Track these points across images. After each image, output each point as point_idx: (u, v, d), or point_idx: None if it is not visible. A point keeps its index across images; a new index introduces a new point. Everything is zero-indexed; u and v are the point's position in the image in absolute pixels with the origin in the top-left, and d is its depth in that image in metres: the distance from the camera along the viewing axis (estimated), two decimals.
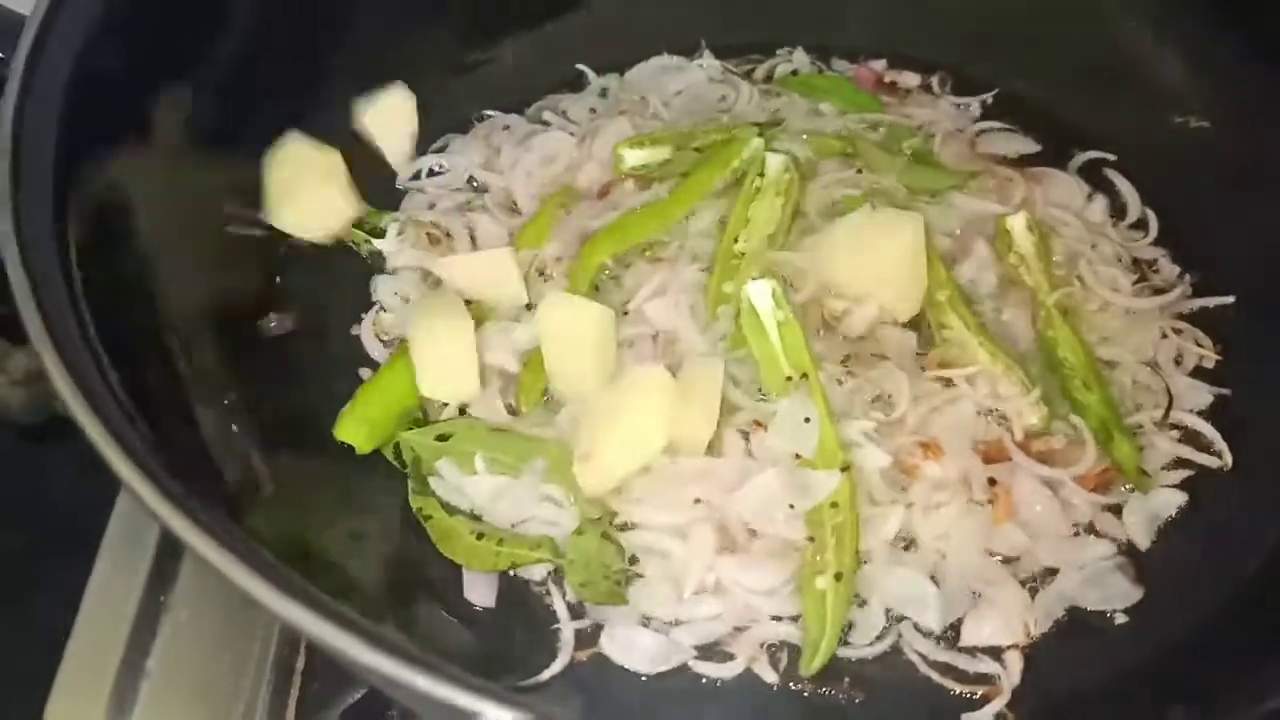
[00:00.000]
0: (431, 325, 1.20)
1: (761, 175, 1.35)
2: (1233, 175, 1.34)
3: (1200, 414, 1.23)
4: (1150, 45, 1.44)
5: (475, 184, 1.43)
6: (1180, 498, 1.17)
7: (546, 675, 1.05)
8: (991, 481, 1.12)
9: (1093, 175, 1.43)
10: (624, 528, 1.13)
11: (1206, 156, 1.37)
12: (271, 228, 1.27)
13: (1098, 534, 1.14)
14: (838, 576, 1.07)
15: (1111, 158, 1.44)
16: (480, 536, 1.13)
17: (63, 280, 0.83)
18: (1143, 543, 1.13)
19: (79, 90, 0.97)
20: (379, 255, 1.35)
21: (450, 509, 1.16)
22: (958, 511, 1.10)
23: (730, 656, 1.06)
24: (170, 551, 1.29)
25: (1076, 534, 1.13)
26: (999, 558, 1.11)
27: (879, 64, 1.55)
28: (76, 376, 0.77)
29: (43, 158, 0.91)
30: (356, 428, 1.17)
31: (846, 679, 1.06)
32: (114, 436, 0.77)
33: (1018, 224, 1.33)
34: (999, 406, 1.19)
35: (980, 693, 1.04)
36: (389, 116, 1.40)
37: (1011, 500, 1.11)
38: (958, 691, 1.05)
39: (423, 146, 1.44)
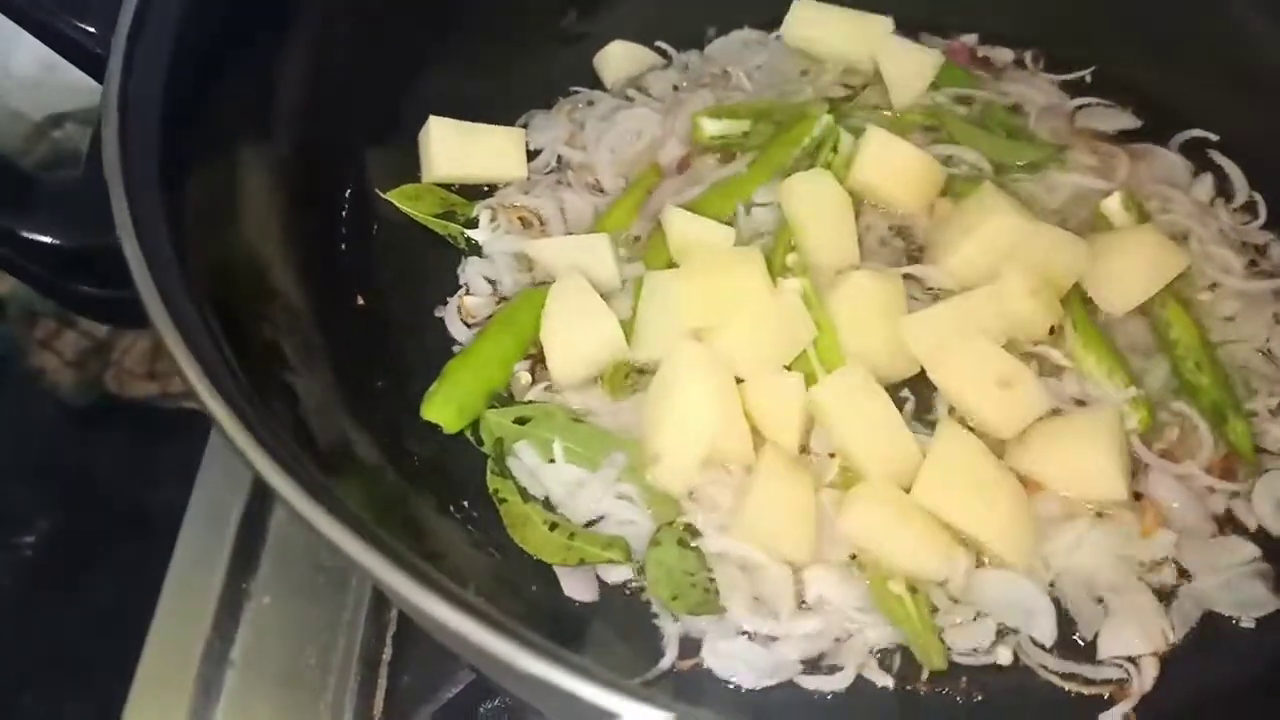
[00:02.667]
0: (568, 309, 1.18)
1: (835, 151, 1.33)
2: None
3: None
4: (1259, 24, 1.38)
5: (561, 161, 1.39)
6: None
7: (641, 679, 1.01)
8: (1136, 496, 1.09)
9: (1196, 158, 1.38)
10: (695, 533, 1.09)
11: None
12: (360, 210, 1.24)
13: (1236, 527, 1.10)
14: (912, 589, 1.04)
15: (1214, 137, 1.38)
16: (553, 527, 1.10)
17: (175, 259, 0.80)
18: (1275, 527, 1.10)
19: (181, 66, 0.94)
20: (472, 243, 1.31)
21: (526, 495, 1.13)
22: (1086, 526, 1.07)
23: (838, 668, 1.02)
24: (251, 537, 1.26)
25: (1216, 534, 1.10)
26: (1133, 564, 1.07)
27: (971, 38, 1.50)
28: (194, 348, 0.74)
29: (149, 134, 0.88)
30: (444, 407, 1.15)
31: (964, 679, 1.02)
32: (233, 409, 0.73)
33: (1112, 205, 1.29)
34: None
35: (1108, 694, 1.01)
36: (450, 146, 1.34)
37: (1157, 506, 1.08)
38: (1083, 693, 1.01)
39: (506, 121, 1.40)
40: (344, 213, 1.23)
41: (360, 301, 1.21)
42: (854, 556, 1.07)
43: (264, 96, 1.12)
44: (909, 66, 1.40)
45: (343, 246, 1.21)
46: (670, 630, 1.04)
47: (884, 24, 1.44)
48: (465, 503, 1.11)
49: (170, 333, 0.73)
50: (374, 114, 1.29)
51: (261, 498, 1.29)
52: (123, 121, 0.87)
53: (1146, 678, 1.01)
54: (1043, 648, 1.04)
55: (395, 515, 0.99)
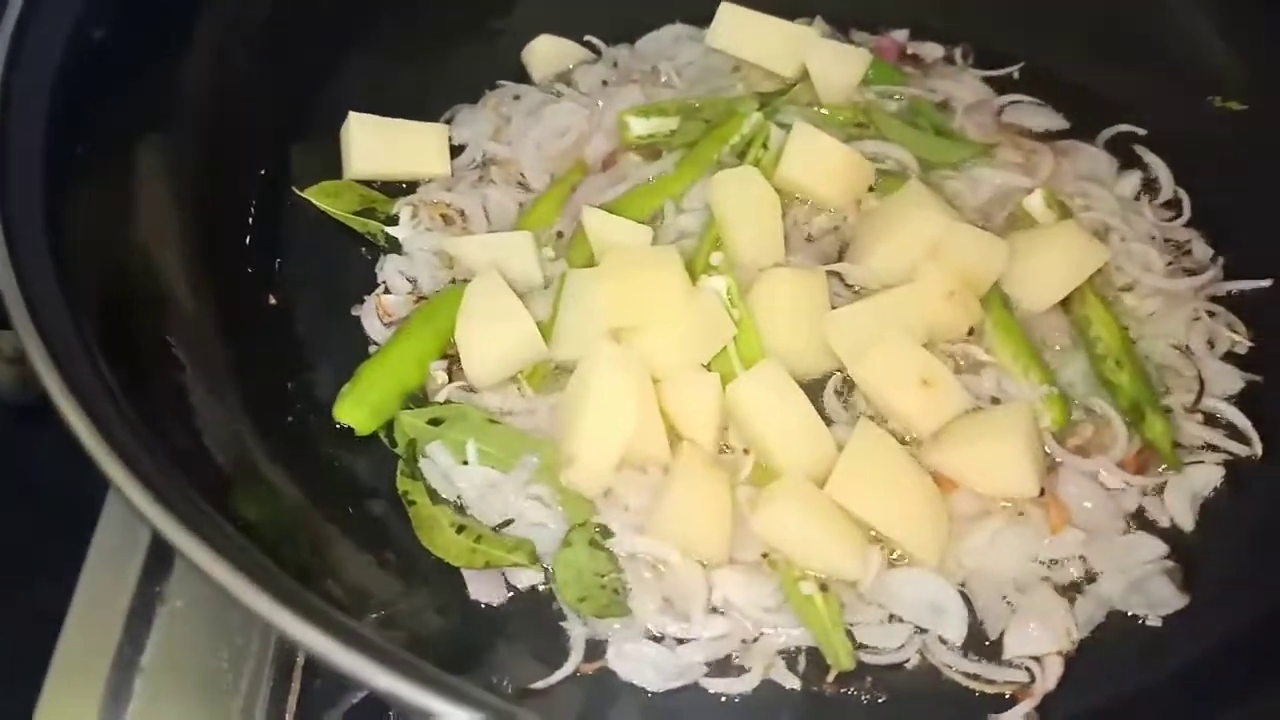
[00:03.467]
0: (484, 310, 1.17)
1: (765, 148, 1.32)
2: (1269, 159, 1.29)
3: (1230, 400, 1.19)
4: (1190, 23, 1.38)
5: (486, 156, 1.38)
6: (1217, 474, 1.14)
7: (544, 683, 1.00)
8: (1040, 491, 1.09)
9: (1123, 153, 1.38)
10: (608, 534, 1.08)
11: (1241, 139, 1.32)
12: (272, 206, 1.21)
13: (1146, 524, 1.10)
14: (823, 586, 1.04)
15: (1141, 132, 1.39)
16: (460, 530, 1.09)
17: (52, 265, 0.79)
18: (1187, 524, 1.11)
19: (72, 64, 0.93)
20: (393, 240, 1.30)
21: (435, 497, 1.12)
22: (1000, 524, 1.07)
23: (744, 669, 1.02)
24: (164, 542, 1.24)
25: (1126, 531, 1.10)
26: (1040, 563, 1.07)
27: (901, 34, 1.49)
28: (57, 358, 0.72)
29: (33, 132, 0.86)
30: (356, 408, 1.14)
31: (869, 678, 1.02)
32: (98, 427, 0.72)
33: (1035, 202, 1.29)
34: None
35: (1009, 694, 1.00)
36: (371, 142, 1.32)
37: (1063, 504, 1.08)
38: (986, 692, 1.01)
39: (433, 116, 1.39)
40: (252, 213, 1.20)
41: (272, 301, 1.19)
42: (765, 555, 1.07)
43: (165, 96, 1.10)
44: (837, 66, 1.39)
45: (249, 246, 1.19)
46: (576, 633, 1.04)
47: (809, 33, 1.43)
48: (371, 508, 1.10)
49: (35, 345, 0.71)
50: (287, 112, 1.27)
51: None
52: (3, 125, 0.85)
53: (1050, 677, 1.01)
54: (950, 647, 1.03)
55: (294, 532, 0.97)
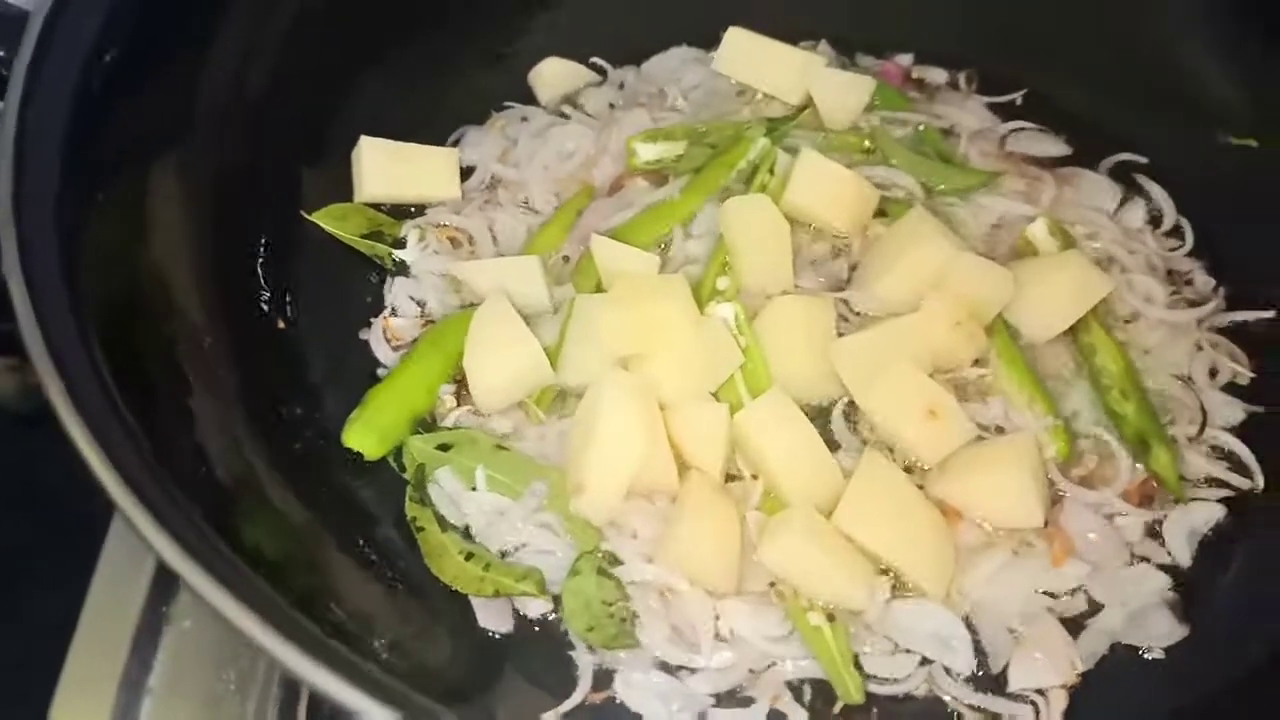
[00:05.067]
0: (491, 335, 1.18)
1: (771, 173, 1.32)
2: (1270, 190, 1.29)
3: (1232, 431, 1.20)
4: (1199, 59, 1.37)
5: (493, 179, 1.38)
6: (1218, 511, 1.14)
7: (553, 714, 1.00)
8: (1044, 523, 1.09)
9: (1123, 182, 1.39)
10: (615, 562, 1.09)
11: (1246, 172, 1.32)
12: (282, 230, 1.22)
13: (1149, 561, 1.11)
14: (830, 617, 1.05)
15: (1143, 160, 1.39)
16: (469, 557, 1.09)
17: (65, 289, 0.79)
18: (1184, 560, 1.11)
19: (89, 89, 0.93)
20: (400, 264, 1.30)
21: (444, 524, 1.12)
22: (1004, 556, 1.08)
23: (751, 700, 1.02)
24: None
25: (1130, 564, 1.11)
26: (1044, 595, 1.08)
27: (906, 59, 1.50)
28: (66, 376, 0.74)
29: (48, 155, 0.86)
30: (365, 434, 1.14)
31: (875, 710, 1.03)
32: (106, 452, 0.73)
33: (1038, 231, 1.30)
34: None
35: None
36: (382, 165, 1.32)
37: (1067, 536, 1.09)
38: None
39: (439, 138, 1.39)
40: (264, 237, 1.20)
41: (281, 326, 1.19)
42: (772, 585, 1.08)
43: (179, 120, 1.10)
44: (840, 93, 1.40)
45: (260, 271, 1.19)
46: (584, 662, 1.04)
47: (815, 60, 1.43)
48: (379, 534, 1.10)
49: (44, 363, 0.72)
50: (299, 136, 1.27)
51: None
52: (19, 146, 0.85)
53: (1055, 710, 1.02)
54: (956, 678, 1.04)
55: (300, 558, 0.98)
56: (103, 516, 1.67)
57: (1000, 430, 1.17)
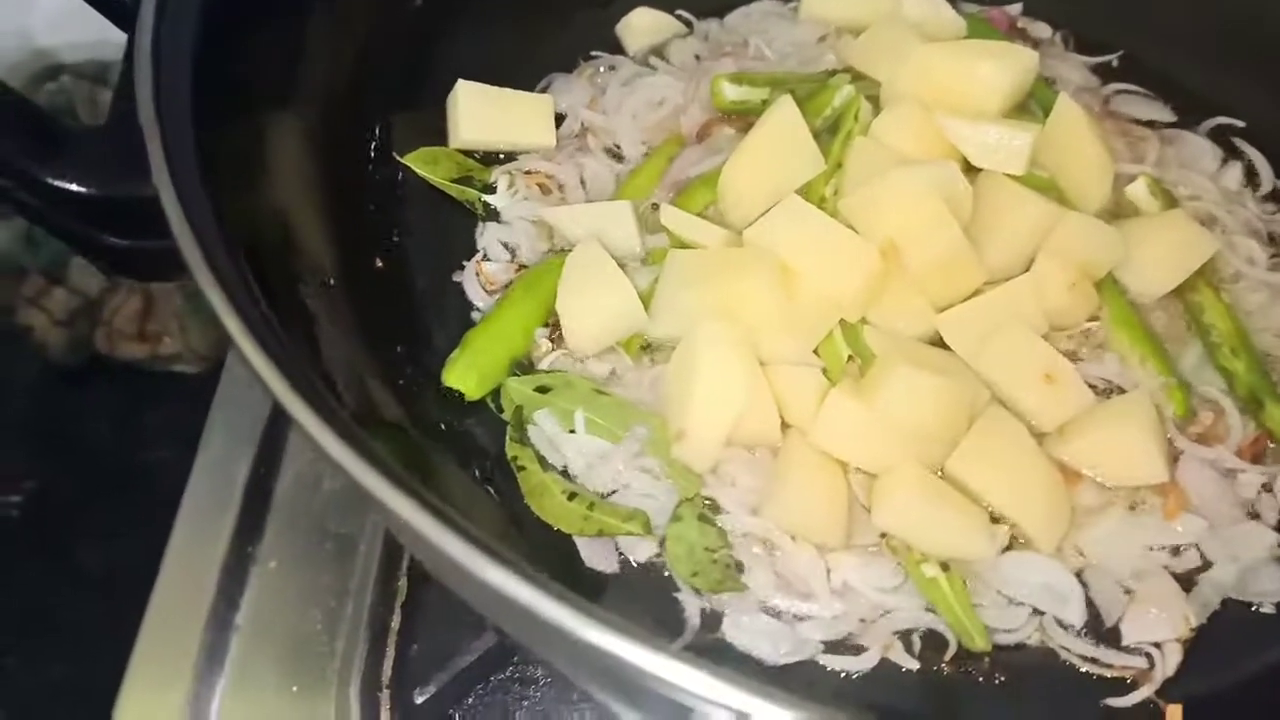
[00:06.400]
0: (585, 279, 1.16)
1: (856, 120, 1.28)
2: None
3: None
4: None
5: (584, 125, 1.37)
6: None
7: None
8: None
9: (1221, 145, 1.37)
10: (716, 509, 1.08)
11: None
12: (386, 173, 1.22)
13: (1257, 514, 1.10)
14: (944, 566, 1.03)
15: (1241, 124, 1.37)
16: (571, 497, 1.08)
17: (211, 209, 0.78)
18: None
19: (212, 22, 0.92)
20: (491, 209, 1.29)
21: (545, 464, 1.11)
22: (1121, 514, 1.07)
23: (862, 648, 1.01)
24: (256, 501, 1.24)
25: (1243, 519, 1.09)
26: (1159, 551, 1.07)
27: (1015, 8, 1.48)
28: (234, 300, 0.72)
29: (180, 87, 0.85)
30: (466, 375, 1.13)
31: (986, 659, 1.01)
32: (273, 361, 0.72)
33: (1139, 190, 1.28)
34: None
35: (1129, 678, 1.00)
36: (479, 110, 1.31)
37: (1182, 492, 1.07)
38: (1104, 675, 1.01)
39: (527, 84, 1.37)
40: (369, 175, 1.20)
41: (379, 264, 1.18)
42: (883, 536, 1.06)
43: (291, 57, 1.09)
44: (932, 29, 1.36)
45: (368, 211, 1.19)
46: (691, 605, 1.03)
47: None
48: (486, 467, 1.09)
49: (210, 283, 0.71)
50: (399, 77, 1.26)
51: (267, 463, 1.27)
52: (155, 72, 0.84)
53: (1170, 663, 1.00)
54: (1069, 630, 1.03)
55: (418, 470, 0.96)
56: (146, 468, 1.68)
57: (1114, 388, 1.15)
